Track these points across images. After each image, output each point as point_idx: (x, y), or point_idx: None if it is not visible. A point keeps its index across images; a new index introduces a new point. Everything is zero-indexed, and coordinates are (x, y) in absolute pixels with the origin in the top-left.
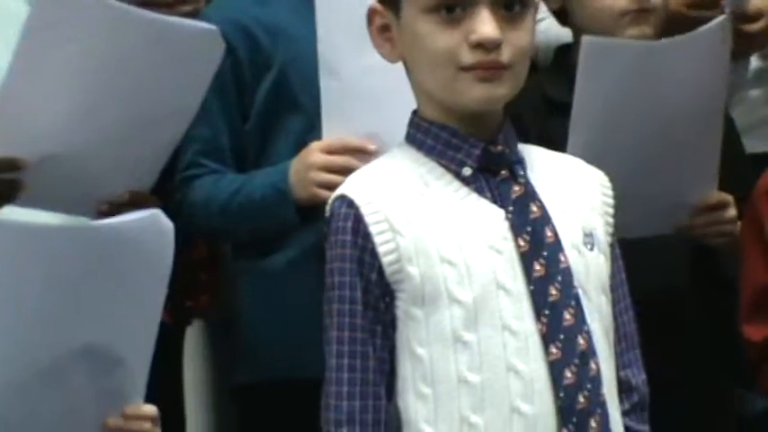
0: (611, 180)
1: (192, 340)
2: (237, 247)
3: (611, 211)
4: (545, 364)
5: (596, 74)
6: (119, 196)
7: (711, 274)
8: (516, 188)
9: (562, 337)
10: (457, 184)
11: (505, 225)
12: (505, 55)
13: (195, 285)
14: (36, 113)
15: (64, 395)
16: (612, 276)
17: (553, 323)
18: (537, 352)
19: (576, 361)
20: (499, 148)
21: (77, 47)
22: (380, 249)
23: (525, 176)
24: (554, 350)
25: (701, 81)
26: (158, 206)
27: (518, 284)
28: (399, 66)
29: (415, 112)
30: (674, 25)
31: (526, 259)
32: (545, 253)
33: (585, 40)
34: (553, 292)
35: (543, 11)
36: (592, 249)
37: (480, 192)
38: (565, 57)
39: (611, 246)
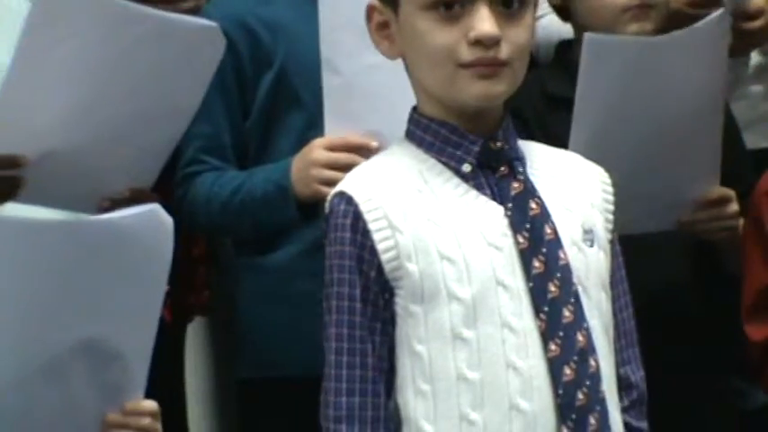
0: (614, 176)
1: (194, 336)
2: (239, 243)
3: (610, 207)
4: (544, 361)
5: (598, 70)
6: (120, 193)
7: (713, 270)
8: (516, 185)
9: (561, 334)
10: (456, 180)
11: (505, 222)
12: (504, 52)
13: (195, 281)
14: (37, 110)
15: (63, 390)
16: (612, 273)
17: (552, 320)
18: (536, 349)
19: (576, 358)
20: (498, 144)
21: (78, 43)
22: (379, 246)
23: (525, 173)
24: (553, 347)
25: (701, 76)
26: (159, 203)
27: (517, 281)
28: (402, 63)
29: (414, 109)
30: (674, 23)
31: (525, 256)
32: (544, 250)
33: (587, 36)
34: (552, 288)
35: (545, 7)
36: (591, 246)
37: (480, 188)
38: (566, 53)
39: (611, 242)
